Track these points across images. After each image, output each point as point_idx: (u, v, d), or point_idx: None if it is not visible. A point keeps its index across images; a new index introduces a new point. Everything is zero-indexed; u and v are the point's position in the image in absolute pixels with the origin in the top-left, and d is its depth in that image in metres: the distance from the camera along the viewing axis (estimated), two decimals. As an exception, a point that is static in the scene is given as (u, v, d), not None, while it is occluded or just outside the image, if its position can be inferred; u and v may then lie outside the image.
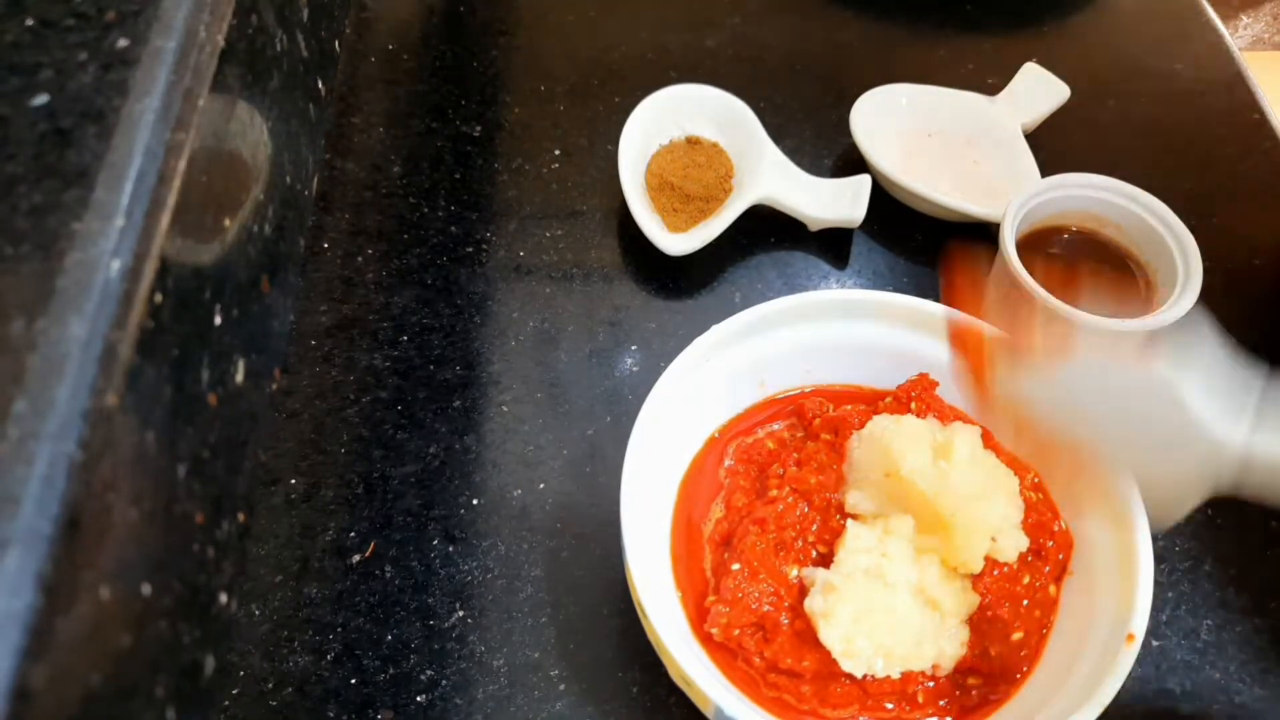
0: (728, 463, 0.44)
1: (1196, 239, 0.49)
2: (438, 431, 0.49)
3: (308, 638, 0.42)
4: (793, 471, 0.42)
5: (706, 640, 0.39)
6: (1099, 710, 0.34)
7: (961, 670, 0.39)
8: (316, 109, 0.57)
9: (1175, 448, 0.28)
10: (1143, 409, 0.29)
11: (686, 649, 0.36)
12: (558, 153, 0.61)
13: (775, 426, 0.45)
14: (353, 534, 0.45)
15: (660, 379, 0.41)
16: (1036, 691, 0.38)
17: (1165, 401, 0.27)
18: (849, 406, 0.44)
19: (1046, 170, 0.56)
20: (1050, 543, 0.40)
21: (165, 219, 0.33)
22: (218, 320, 0.39)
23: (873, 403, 0.44)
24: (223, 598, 0.40)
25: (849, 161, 0.61)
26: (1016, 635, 0.38)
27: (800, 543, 0.41)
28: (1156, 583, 0.37)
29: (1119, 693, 0.34)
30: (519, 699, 0.41)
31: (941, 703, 0.38)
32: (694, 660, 0.35)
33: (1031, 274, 0.48)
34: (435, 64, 0.66)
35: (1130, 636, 0.35)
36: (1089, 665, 0.36)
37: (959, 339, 0.39)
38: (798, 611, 0.39)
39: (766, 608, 0.39)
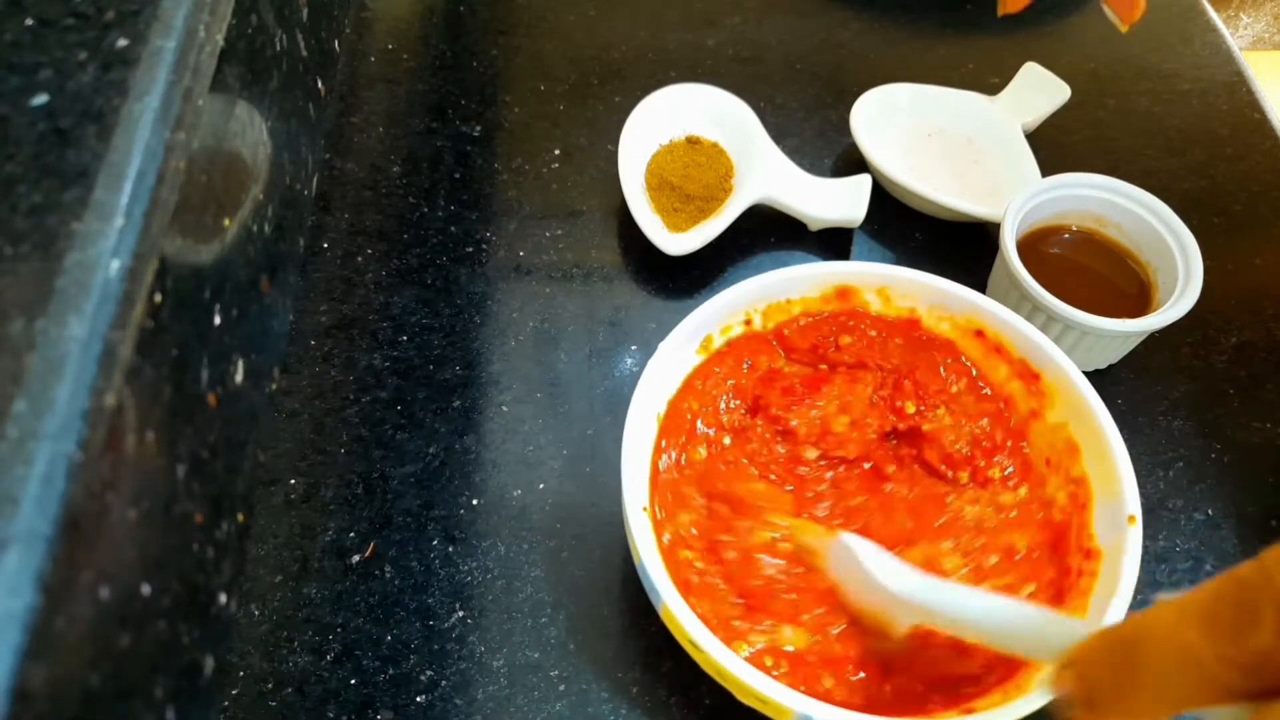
0: (727, 440, 0.45)
1: (1196, 239, 0.49)
2: (438, 431, 0.49)
3: (308, 638, 0.42)
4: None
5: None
6: (1099, 710, 0.33)
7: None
8: (316, 109, 0.57)
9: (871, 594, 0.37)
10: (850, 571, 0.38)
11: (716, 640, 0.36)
12: (558, 153, 0.61)
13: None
14: (353, 534, 0.45)
15: (646, 370, 0.41)
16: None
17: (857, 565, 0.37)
18: None
19: (1046, 170, 0.56)
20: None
21: (165, 219, 0.33)
22: (217, 320, 0.39)
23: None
24: (222, 598, 0.40)
25: (849, 161, 0.61)
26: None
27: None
28: (1157, 583, 0.37)
29: (1119, 693, 0.34)
30: (519, 699, 0.41)
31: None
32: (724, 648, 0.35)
33: (1031, 274, 0.48)
34: (435, 64, 0.66)
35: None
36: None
37: None
38: None
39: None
